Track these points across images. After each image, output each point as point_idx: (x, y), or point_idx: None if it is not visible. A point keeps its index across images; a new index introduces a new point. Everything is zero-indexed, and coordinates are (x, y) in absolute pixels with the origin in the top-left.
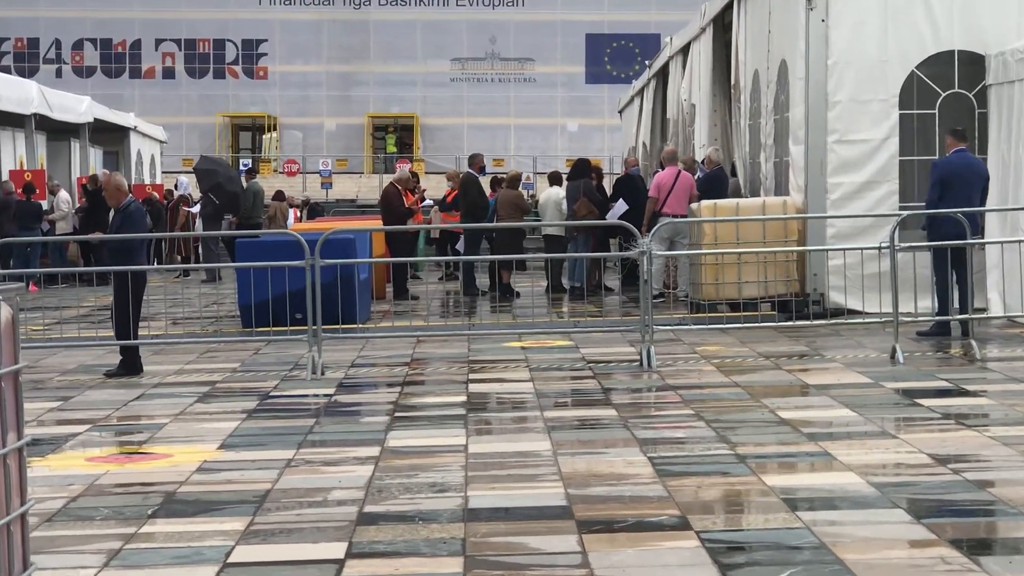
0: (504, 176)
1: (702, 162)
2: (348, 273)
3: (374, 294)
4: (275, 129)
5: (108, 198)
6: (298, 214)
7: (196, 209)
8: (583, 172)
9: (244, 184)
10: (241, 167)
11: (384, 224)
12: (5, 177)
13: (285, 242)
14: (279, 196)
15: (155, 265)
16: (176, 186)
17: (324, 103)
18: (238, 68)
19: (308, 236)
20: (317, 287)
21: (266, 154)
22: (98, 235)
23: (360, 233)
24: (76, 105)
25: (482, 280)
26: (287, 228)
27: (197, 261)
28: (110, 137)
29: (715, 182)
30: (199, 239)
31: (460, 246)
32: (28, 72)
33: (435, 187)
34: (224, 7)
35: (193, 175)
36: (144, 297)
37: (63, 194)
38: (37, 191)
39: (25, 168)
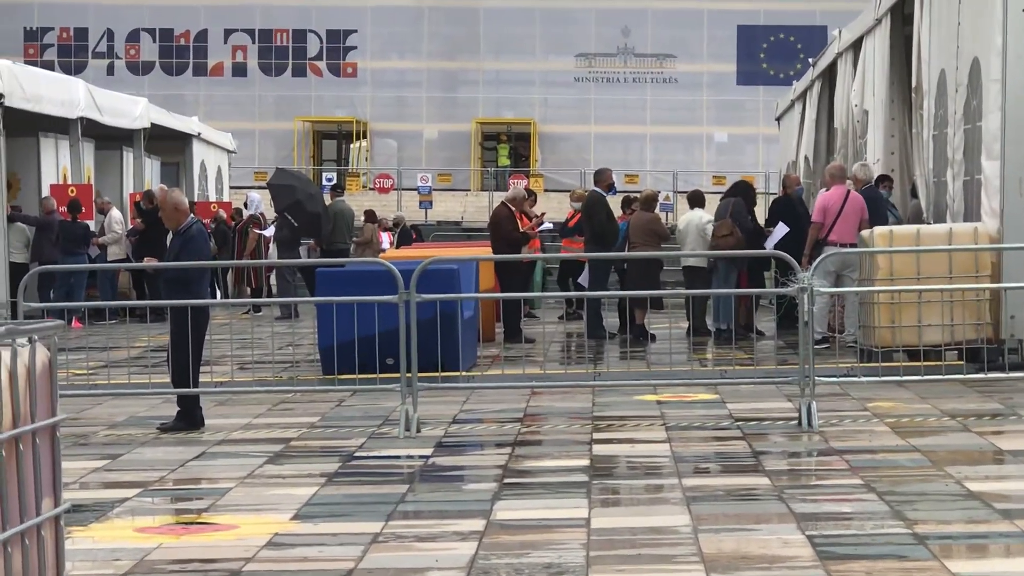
0: (637, 196)
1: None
2: (450, 310)
3: (481, 336)
4: (365, 137)
5: (165, 219)
6: (391, 239)
7: (270, 232)
8: (735, 193)
9: (327, 203)
10: (324, 182)
11: (494, 252)
12: (46, 193)
13: (375, 273)
14: (370, 217)
15: (220, 298)
16: (246, 204)
17: (424, 106)
18: (322, 64)
19: (402, 266)
20: (412, 327)
21: (354, 167)
22: (153, 263)
23: (465, 263)
24: (130, 108)
25: (610, 320)
26: (378, 256)
27: (270, 294)
28: (169, 146)
29: (869, 205)
30: (273, 268)
31: (584, 279)
32: (74, 68)
33: (555, 208)
34: None
35: (266, 191)
36: (207, 337)
37: (114, 213)
38: (83, 209)
39: (70, 182)
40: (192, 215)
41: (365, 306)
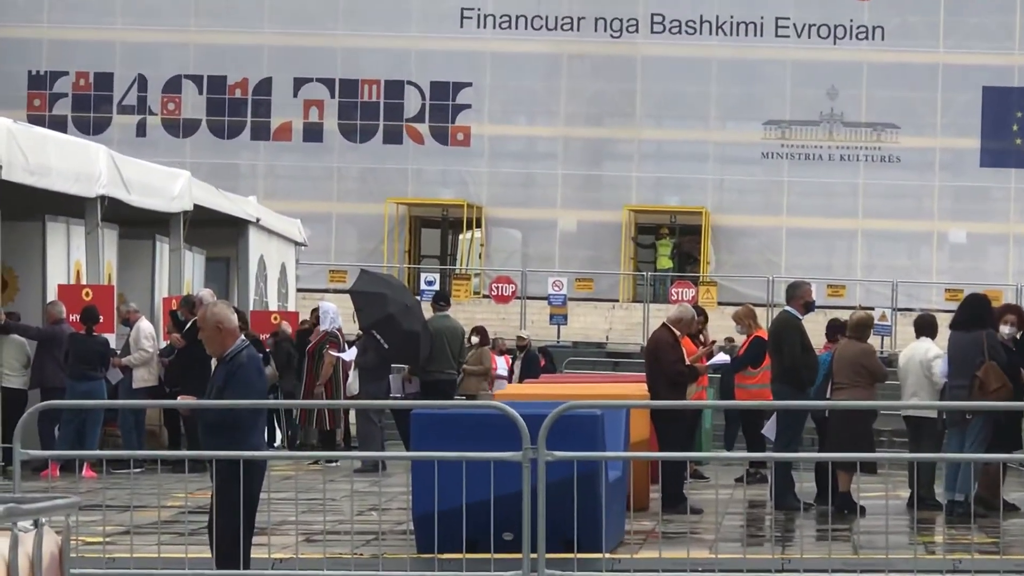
0: (846, 320)
1: None
2: (590, 471)
3: (632, 503)
4: (479, 226)
5: (206, 342)
6: (510, 366)
7: (350, 356)
8: (980, 317)
9: (427, 317)
10: (423, 288)
11: (651, 391)
12: (52, 296)
13: (490, 418)
14: (482, 337)
15: (280, 445)
16: (319, 317)
17: (559, 187)
18: (423, 128)
19: (527, 409)
20: (540, 492)
21: (463, 267)
22: (189, 401)
23: (612, 408)
24: (167, 184)
25: (805, 486)
26: (493, 390)
27: (348, 441)
28: (218, 235)
29: None
30: (353, 405)
31: (769, 430)
32: (93, 128)
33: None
34: (402, 30)
35: (347, 300)
36: (262, 496)
37: (143, 325)
38: (102, 319)
39: (84, 282)
40: (242, 337)
41: (477, 464)
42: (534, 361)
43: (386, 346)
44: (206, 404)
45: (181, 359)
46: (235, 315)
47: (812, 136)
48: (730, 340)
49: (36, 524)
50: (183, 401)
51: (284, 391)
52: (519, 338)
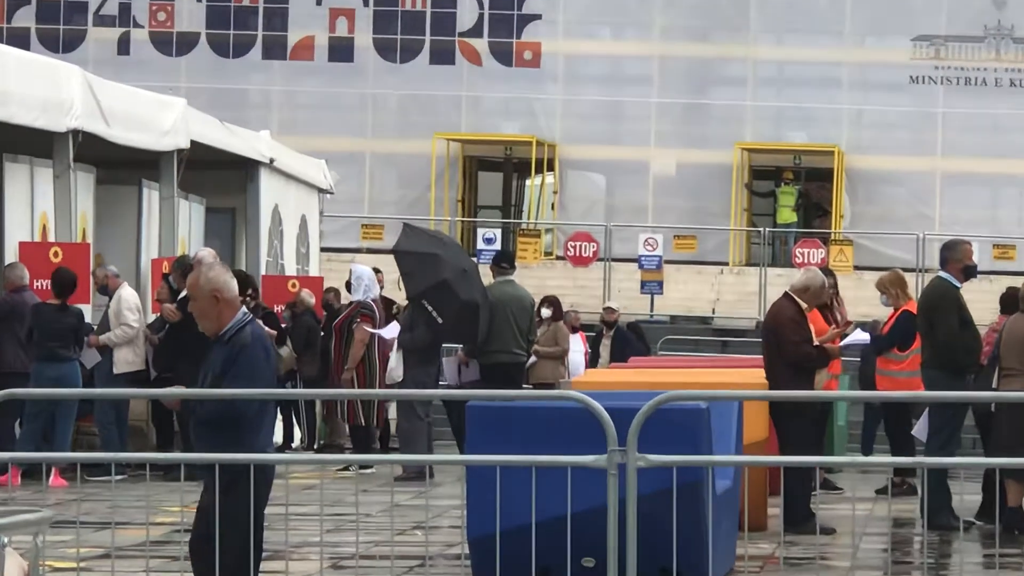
0: (1019, 289)
1: None
2: (693, 480)
3: (746, 521)
4: (551, 169)
5: (198, 316)
6: (587, 345)
7: (390, 332)
8: None
9: (486, 284)
10: (481, 247)
11: (769, 378)
12: (11, 257)
13: (565, 412)
14: (554, 310)
15: (297, 447)
16: (350, 282)
17: (652, 119)
18: (481, 44)
19: (613, 400)
20: (631, 507)
21: (531, 220)
22: (178, 391)
23: (720, 400)
24: (157, 114)
25: (966, 498)
26: (568, 380)
27: (386, 441)
28: (221, 179)
29: None
30: (394, 396)
31: (920, 429)
32: (64, 44)
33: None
34: None
35: (385, 262)
36: (278, 510)
37: (127, 294)
38: (76, 286)
39: (52, 239)
40: (244, 310)
41: (550, 471)
42: (624, 340)
43: (439, 320)
44: (202, 394)
45: (174, 337)
46: (236, 282)
47: (974, 56)
48: (871, 318)
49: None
50: (174, 390)
51: (304, 378)
52: (607, 310)
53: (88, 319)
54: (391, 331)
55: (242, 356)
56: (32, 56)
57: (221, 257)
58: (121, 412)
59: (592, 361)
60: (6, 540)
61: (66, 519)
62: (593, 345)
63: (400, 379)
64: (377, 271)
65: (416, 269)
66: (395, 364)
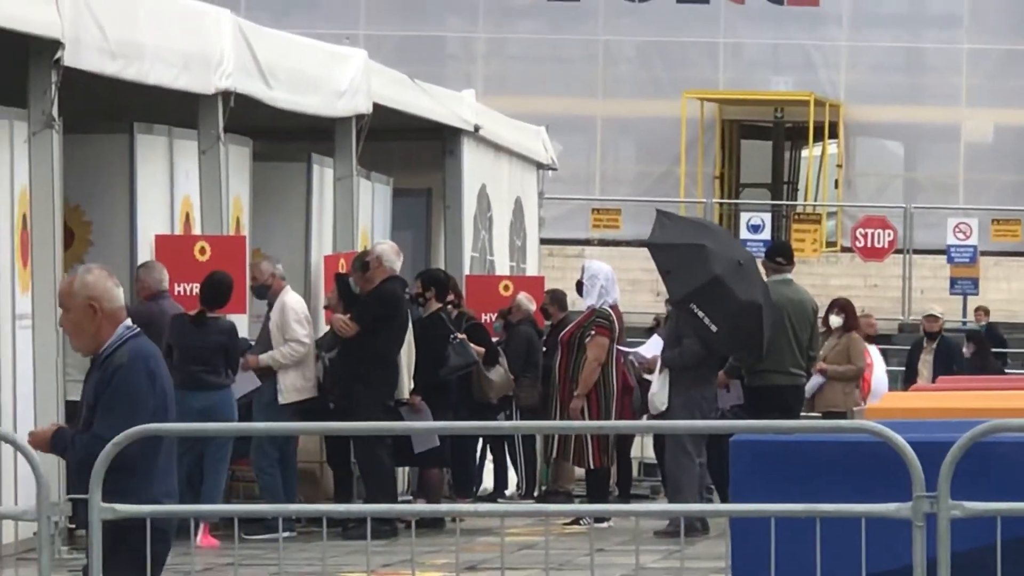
0: None
1: None
2: (1022, 535)
3: None
4: (835, 136)
5: (70, 333)
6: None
7: (651, 350)
8: None
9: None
10: (745, 236)
11: None
12: (145, 254)
13: (857, 448)
14: (847, 317)
15: (511, 494)
16: (581, 282)
17: (963, 71)
18: None
19: (918, 433)
20: (942, 568)
21: (809, 201)
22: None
23: None
24: (330, 70)
25: None
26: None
27: (626, 487)
28: (413, 153)
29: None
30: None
31: None
32: None
33: None
34: None
35: (626, 258)
36: None
37: (293, 300)
38: (229, 294)
39: (199, 231)
40: (127, 323)
41: (837, 523)
42: (952, 352)
43: (713, 328)
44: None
45: (350, 355)
46: (120, 291)
47: None
48: None
49: None
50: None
51: (522, 406)
52: (928, 318)
53: (244, 333)
54: (651, 347)
55: (117, 379)
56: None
57: (413, 252)
58: (287, 452)
59: (907, 380)
60: None
61: None
62: (911, 360)
63: (664, 407)
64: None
65: (679, 266)
66: (658, 388)
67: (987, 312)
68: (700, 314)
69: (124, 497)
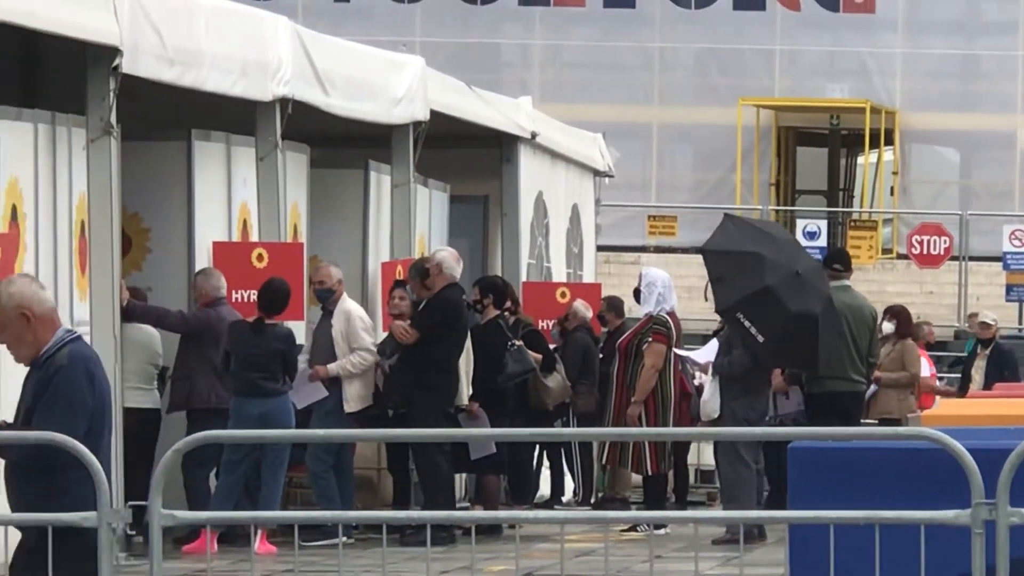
0: None
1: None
2: None
3: None
4: (891, 143)
5: (8, 345)
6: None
7: (704, 355)
8: None
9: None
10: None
11: None
12: (202, 261)
13: (915, 455)
14: (901, 324)
15: (570, 501)
16: (639, 289)
17: (1019, 76)
18: None
19: (976, 440)
20: (1002, 575)
21: (865, 208)
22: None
23: None
24: (387, 78)
25: None
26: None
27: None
28: (469, 160)
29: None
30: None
31: None
32: None
33: None
34: None
35: (684, 266)
36: None
37: (354, 308)
38: (288, 299)
39: (256, 238)
40: (65, 327)
41: (896, 529)
42: (1005, 360)
43: (759, 339)
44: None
45: (410, 362)
46: (48, 293)
47: None
48: None
49: None
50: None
51: (579, 413)
52: (981, 325)
53: (300, 340)
54: (706, 352)
55: (56, 381)
56: (230, 5)
57: (471, 259)
58: (343, 459)
59: (963, 387)
60: None
61: None
62: (966, 368)
63: (716, 414)
64: None
65: (731, 274)
66: (709, 395)
67: (989, 326)
68: (747, 324)
69: (48, 499)
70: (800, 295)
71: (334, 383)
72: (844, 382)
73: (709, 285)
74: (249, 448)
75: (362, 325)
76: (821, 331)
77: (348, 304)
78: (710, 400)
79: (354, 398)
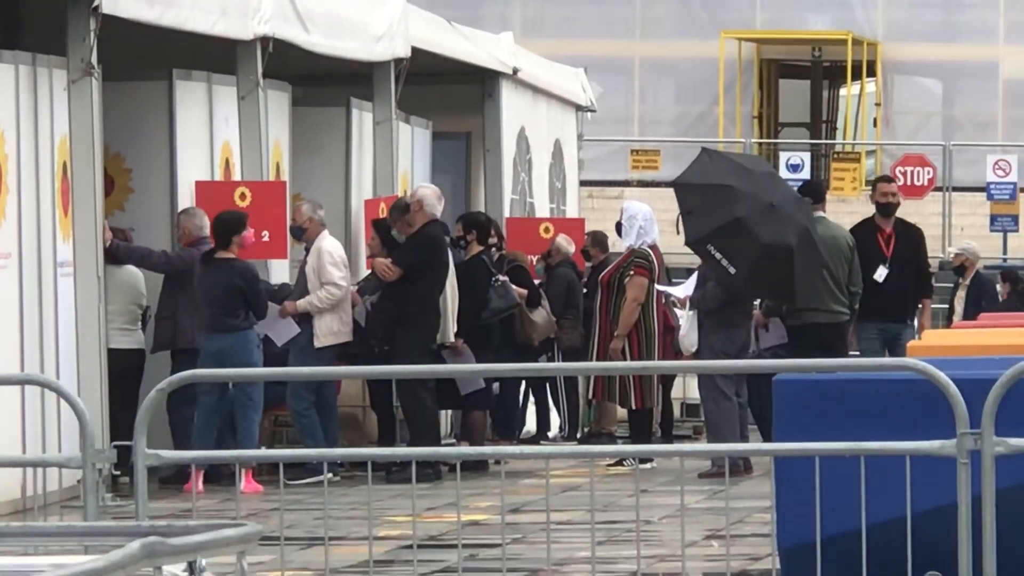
0: None
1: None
2: None
3: None
4: (873, 74)
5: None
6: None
7: (684, 290)
8: None
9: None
10: (785, 174)
11: None
12: (185, 200)
13: (899, 385)
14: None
15: (556, 437)
16: (621, 223)
17: (1000, 6)
18: None
19: (960, 369)
20: (987, 505)
21: (848, 140)
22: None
23: None
24: (368, 15)
25: None
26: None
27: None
28: (451, 97)
29: None
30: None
31: None
32: None
33: None
34: None
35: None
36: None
37: (328, 244)
38: (267, 234)
39: (239, 177)
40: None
41: (881, 461)
42: (985, 290)
43: (731, 270)
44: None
45: (391, 299)
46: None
47: None
48: None
49: (192, 570)
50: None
51: (564, 348)
52: (957, 255)
53: (285, 278)
54: (686, 288)
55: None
56: None
57: (453, 195)
58: (327, 396)
59: (948, 318)
60: (203, 564)
61: (267, 536)
62: (951, 299)
63: (694, 348)
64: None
65: (702, 206)
66: (687, 329)
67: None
68: (718, 255)
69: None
70: (774, 226)
71: (307, 319)
72: (823, 313)
73: (680, 218)
74: (216, 387)
75: (330, 260)
76: (797, 262)
77: (323, 242)
78: (688, 334)
79: (324, 333)
